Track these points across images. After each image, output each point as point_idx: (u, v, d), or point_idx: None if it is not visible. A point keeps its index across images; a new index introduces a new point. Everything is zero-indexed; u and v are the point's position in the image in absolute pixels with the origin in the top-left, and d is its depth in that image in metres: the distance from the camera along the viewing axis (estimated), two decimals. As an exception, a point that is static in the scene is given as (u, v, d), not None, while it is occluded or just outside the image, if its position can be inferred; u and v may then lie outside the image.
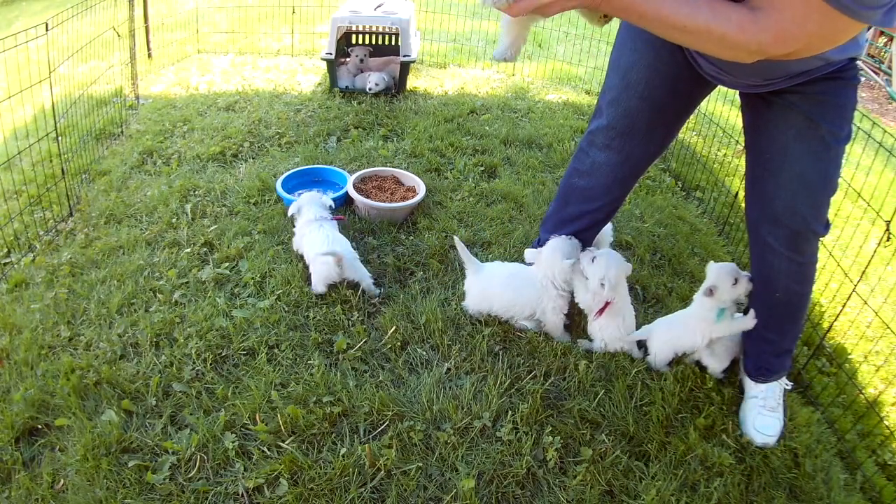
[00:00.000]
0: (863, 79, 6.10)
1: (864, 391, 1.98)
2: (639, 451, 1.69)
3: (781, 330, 1.80)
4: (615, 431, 1.74)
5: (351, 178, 2.73)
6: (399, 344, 1.98)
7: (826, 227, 1.61)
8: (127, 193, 2.81)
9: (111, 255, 2.37)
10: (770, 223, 1.64)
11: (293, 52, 5.07)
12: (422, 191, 2.72)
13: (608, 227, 2.39)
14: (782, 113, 1.56)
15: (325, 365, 1.88)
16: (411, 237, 2.52)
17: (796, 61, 1.40)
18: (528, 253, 2.08)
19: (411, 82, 4.31)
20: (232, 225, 2.54)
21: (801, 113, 1.53)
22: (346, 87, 4.05)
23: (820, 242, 1.69)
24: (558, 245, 1.96)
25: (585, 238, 2.14)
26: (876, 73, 6.23)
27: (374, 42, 4.52)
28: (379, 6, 4.08)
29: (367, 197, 2.65)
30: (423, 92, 4.22)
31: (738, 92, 1.72)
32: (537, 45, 5.85)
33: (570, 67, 4.97)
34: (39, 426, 1.68)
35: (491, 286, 2.03)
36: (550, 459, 1.63)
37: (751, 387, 1.86)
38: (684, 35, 1.24)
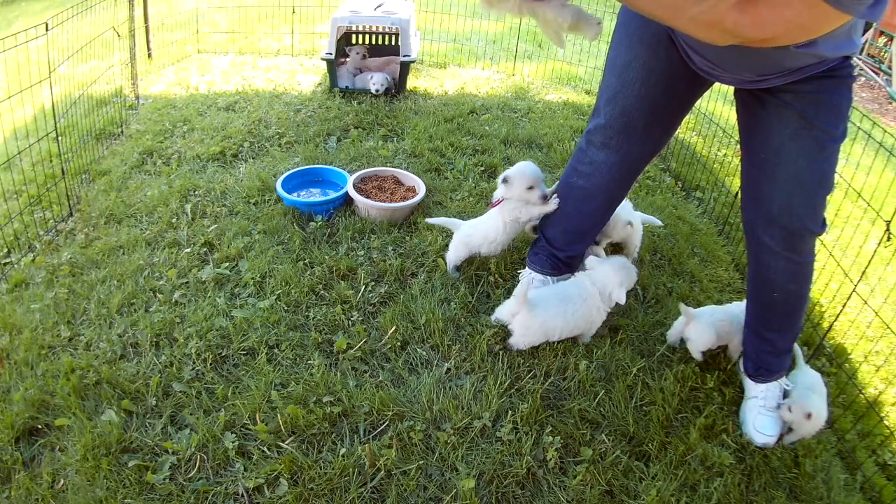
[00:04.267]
0: (862, 79, 6.10)
1: (864, 391, 1.98)
2: (639, 451, 1.70)
3: (780, 329, 1.80)
4: (615, 431, 1.74)
5: (351, 178, 2.73)
6: (399, 344, 1.98)
7: (823, 225, 1.61)
8: (127, 193, 2.81)
9: (111, 255, 2.37)
10: (766, 223, 1.64)
11: (293, 52, 5.07)
12: (422, 191, 2.72)
13: (638, 235, 2.39)
14: (777, 112, 1.56)
15: (325, 365, 1.88)
16: (412, 237, 2.52)
17: (791, 57, 1.40)
18: (591, 260, 2.04)
19: (411, 82, 4.31)
20: (232, 225, 2.54)
21: (795, 112, 1.53)
22: (346, 87, 4.05)
23: (819, 242, 1.69)
24: (621, 264, 1.97)
25: (589, 238, 2.15)
26: (876, 73, 6.23)
27: (374, 42, 4.53)
28: (379, 6, 4.08)
29: (367, 197, 2.65)
30: (423, 92, 4.22)
31: (733, 91, 1.72)
32: (537, 45, 5.85)
33: (570, 67, 4.97)
34: (39, 426, 1.68)
35: (549, 317, 1.90)
36: (550, 459, 1.63)
37: (751, 387, 1.86)
38: (657, 6, 1.23)
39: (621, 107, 1.80)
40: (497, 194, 2.17)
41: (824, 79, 1.48)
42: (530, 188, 2.08)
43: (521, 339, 1.93)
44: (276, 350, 1.94)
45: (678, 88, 1.75)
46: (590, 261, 2.03)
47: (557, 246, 2.13)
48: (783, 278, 1.69)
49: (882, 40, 6.39)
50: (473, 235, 2.23)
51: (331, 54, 3.88)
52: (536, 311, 1.89)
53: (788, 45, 1.27)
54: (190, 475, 1.56)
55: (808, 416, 1.70)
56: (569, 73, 4.91)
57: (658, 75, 1.72)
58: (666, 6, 1.22)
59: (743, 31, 1.18)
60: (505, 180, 2.10)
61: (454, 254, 2.27)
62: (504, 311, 2.00)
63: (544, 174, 3.09)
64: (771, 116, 1.58)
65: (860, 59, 6.31)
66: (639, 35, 1.71)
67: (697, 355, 1.95)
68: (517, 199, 2.11)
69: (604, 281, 1.95)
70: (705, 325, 1.92)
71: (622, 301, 1.92)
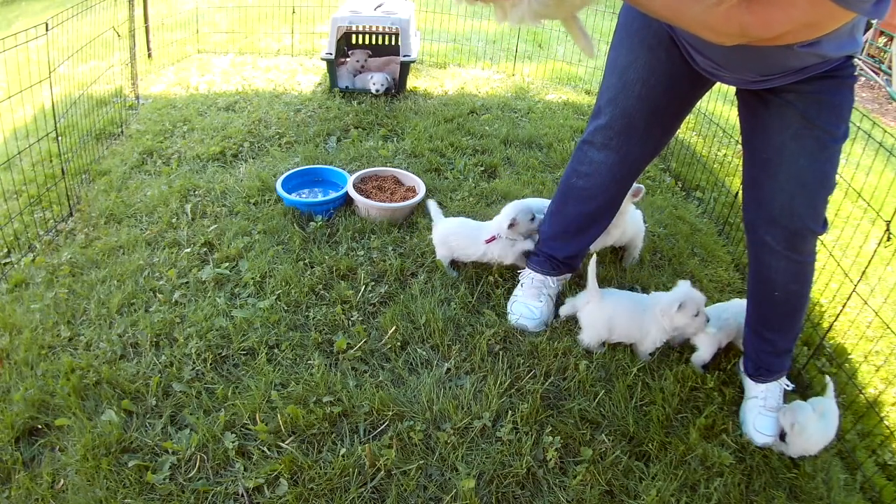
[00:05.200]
0: (862, 78, 6.10)
1: (864, 391, 1.98)
2: (639, 451, 1.69)
3: (780, 329, 1.80)
4: (615, 431, 1.74)
5: (351, 178, 2.73)
6: (399, 344, 1.98)
7: (824, 225, 1.61)
8: (127, 193, 2.81)
9: (111, 255, 2.37)
10: (768, 223, 1.64)
11: (293, 52, 5.07)
12: (422, 191, 2.72)
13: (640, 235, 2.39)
14: (779, 112, 1.56)
15: (325, 365, 1.88)
16: (412, 237, 2.52)
17: (794, 57, 1.40)
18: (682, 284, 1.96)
19: (411, 82, 4.31)
20: (232, 225, 2.54)
21: (797, 112, 1.53)
22: (346, 87, 4.05)
23: (819, 242, 1.69)
24: (686, 290, 1.88)
25: (587, 239, 2.15)
26: (876, 73, 6.23)
27: (374, 42, 4.53)
28: (379, 6, 4.08)
29: (367, 197, 2.65)
30: (423, 92, 4.22)
31: (735, 90, 1.72)
32: (537, 45, 5.85)
33: (570, 67, 4.97)
34: (39, 426, 1.68)
35: (617, 315, 1.92)
36: (550, 459, 1.63)
37: (751, 387, 1.86)
38: (668, 10, 1.23)
39: (622, 108, 1.79)
40: (493, 229, 2.20)
41: (826, 79, 1.48)
42: (532, 219, 2.20)
43: (588, 332, 1.96)
44: (276, 350, 1.94)
45: (679, 89, 1.75)
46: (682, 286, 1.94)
47: (557, 246, 2.13)
48: (784, 278, 1.69)
49: (882, 40, 6.40)
50: (450, 238, 2.26)
51: (331, 54, 3.88)
52: (605, 302, 1.93)
53: (793, 43, 1.27)
54: (190, 475, 1.56)
55: (792, 426, 1.67)
56: (569, 73, 4.91)
57: (659, 76, 1.72)
58: (669, 7, 1.22)
59: (751, 31, 1.19)
60: (512, 225, 2.15)
61: (440, 253, 2.32)
62: (577, 301, 2.04)
63: (544, 174, 3.12)
64: (773, 116, 1.58)
65: (860, 59, 6.31)
66: (640, 36, 1.71)
67: (699, 367, 1.94)
68: (520, 234, 2.20)
69: (666, 300, 1.87)
70: (713, 337, 1.93)
71: (670, 320, 1.85)
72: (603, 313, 1.93)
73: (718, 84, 1.77)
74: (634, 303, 1.97)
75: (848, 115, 1.54)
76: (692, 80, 1.72)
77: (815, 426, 1.67)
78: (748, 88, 1.63)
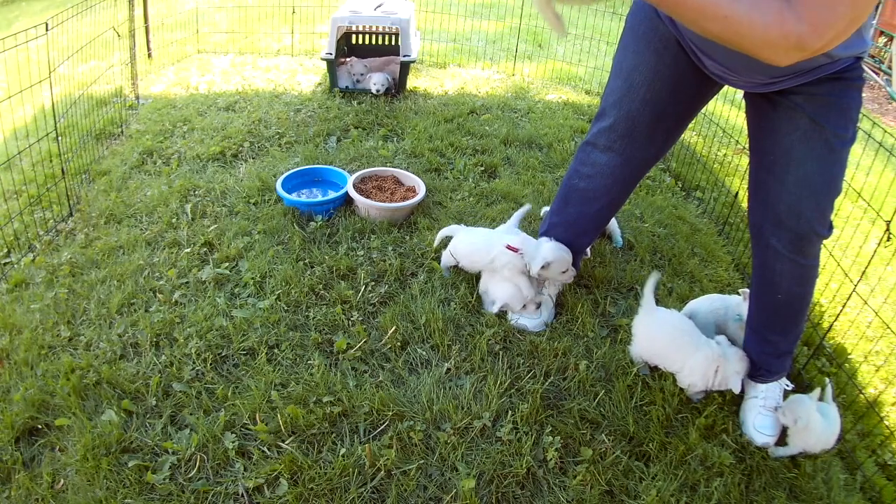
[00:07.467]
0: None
1: (864, 391, 1.98)
2: (639, 451, 1.70)
3: (782, 331, 1.80)
4: (615, 431, 1.74)
5: (351, 178, 2.73)
6: (399, 344, 1.98)
7: (830, 229, 1.60)
8: (127, 193, 2.81)
9: (111, 255, 2.37)
10: (774, 226, 1.63)
11: (293, 52, 5.07)
12: (422, 191, 2.72)
13: (616, 231, 2.38)
14: (787, 114, 1.56)
15: (325, 365, 1.88)
16: (412, 237, 2.52)
17: None
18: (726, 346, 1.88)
19: (411, 82, 4.31)
20: (232, 225, 2.54)
21: (805, 115, 1.52)
22: (346, 87, 4.06)
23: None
24: (742, 361, 1.80)
25: (587, 240, 2.15)
26: (876, 73, 6.23)
27: (374, 42, 4.53)
28: (379, 6, 4.08)
29: (367, 197, 2.65)
30: (423, 92, 4.22)
31: (741, 93, 1.72)
32: (537, 45, 5.85)
33: (570, 67, 4.97)
34: (39, 426, 1.68)
35: (657, 336, 1.88)
36: (550, 459, 1.63)
37: (751, 387, 1.86)
38: (723, 26, 1.18)
39: (626, 111, 1.79)
40: (515, 243, 2.08)
41: (834, 81, 1.47)
42: (564, 272, 2.08)
43: (634, 346, 1.92)
44: (276, 350, 1.94)
45: (685, 93, 1.75)
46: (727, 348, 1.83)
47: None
48: (788, 281, 1.68)
49: (882, 40, 6.39)
50: (458, 246, 2.21)
51: (331, 54, 3.88)
52: (653, 318, 1.88)
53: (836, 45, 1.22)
54: (190, 475, 1.56)
55: (795, 421, 1.66)
56: (569, 73, 4.91)
57: (664, 80, 1.71)
58: (727, 28, 1.18)
59: (806, 41, 1.14)
60: (545, 266, 2.02)
61: (444, 259, 2.28)
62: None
63: (544, 174, 3.12)
64: (781, 118, 1.57)
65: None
66: (647, 39, 1.71)
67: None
68: (550, 278, 2.10)
69: (726, 359, 1.78)
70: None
71: (735, 389, 1.77)
72: (650, 329, 1.87)
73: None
74: (681, 332, 1.86)
75: (856, 118, 1.53)
76: (698, 85, 1.71)
77: (817, 419, 1.66)
78: (757, 91, 1.62)
